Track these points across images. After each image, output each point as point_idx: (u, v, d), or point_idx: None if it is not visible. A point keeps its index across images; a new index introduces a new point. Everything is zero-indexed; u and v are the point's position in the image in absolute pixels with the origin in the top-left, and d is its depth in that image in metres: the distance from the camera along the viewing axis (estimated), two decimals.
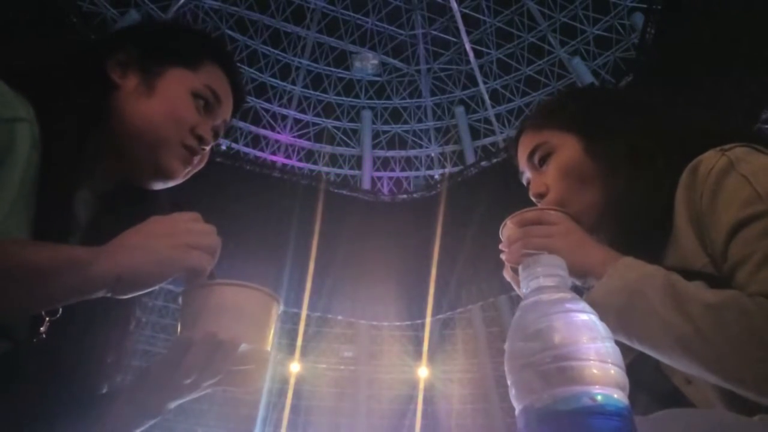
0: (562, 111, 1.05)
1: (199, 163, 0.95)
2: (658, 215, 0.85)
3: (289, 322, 16.04)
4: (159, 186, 0.93)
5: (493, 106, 17.68)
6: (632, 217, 0.89)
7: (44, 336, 0.76)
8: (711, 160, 0.81)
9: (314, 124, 18.50)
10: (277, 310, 0.78)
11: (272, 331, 0.77)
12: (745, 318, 0.66)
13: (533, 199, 1.04)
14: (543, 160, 1.02)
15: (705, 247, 0.79)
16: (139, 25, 1.03)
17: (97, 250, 0.68)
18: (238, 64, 1.08)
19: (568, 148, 0.99)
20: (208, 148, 0.95)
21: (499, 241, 0.94)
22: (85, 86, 0.86)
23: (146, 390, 0.77)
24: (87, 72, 0.88)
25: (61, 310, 0.77)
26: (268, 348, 0.76)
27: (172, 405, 0.79)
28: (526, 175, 1.08)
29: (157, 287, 0.73)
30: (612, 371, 0.42)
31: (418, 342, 15.51)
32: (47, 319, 0.76)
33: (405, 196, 13.39)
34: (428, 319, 12.96)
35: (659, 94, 8.87)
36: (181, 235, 0.72)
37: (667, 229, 0.84)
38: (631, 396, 0.43)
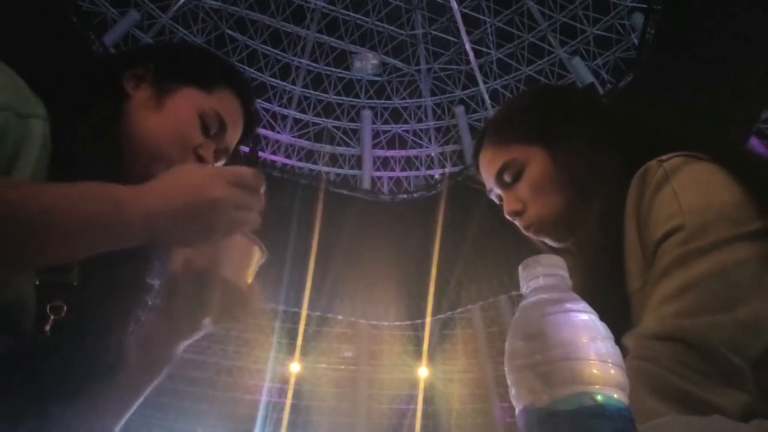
0: (521, 124, 1.00)
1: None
2: (615, 227, 0.83)
3: (289, 321, 16.04)
4: None
5: (493, 106, 17.68)
6: (596, 226, 0.86)
7: (48, 333, 0.76)
8: (652, 172, 0.79)
9: (314, 123, 18.51)
10: (260, 255, 0.84)
11: (252, 272, 0.84)
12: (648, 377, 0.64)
13: (509, 217, 1.00)
14: (515, 177, 0.98)
15: (642, 269, 0.77)
16: (162, 43, 1.05)
17: (129, 189, 0.68)
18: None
19: (537, 161, 0.96)
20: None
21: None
22: (98, 93, 0.87)
23: (149, 339, 0.82)
24: (102, 79, 0.90)
25: (65, 308, 0.78)
26: (247, 283, 0.82)
27: (179, 348, 0.85)
28: (495, 192, 1.04)
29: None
30: (612, 371, 0.42)
31: (418, 342, 15.52)
32: (51, 316, 0.77)
33: (405, 196, 13.41)
34: (428, 319, 12.97)
35: (659, 93, 8.87)
36: (223, 215, 0.70)
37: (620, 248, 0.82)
38: None
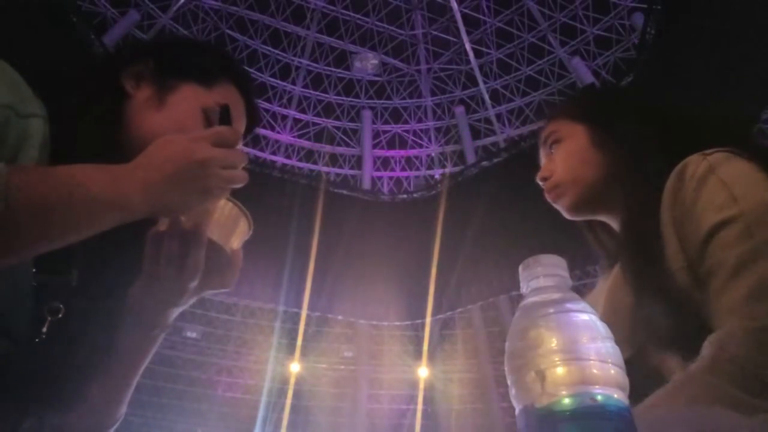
0: (575, 103, 1.14)
1: None
2: (650, 213, 0.88)
3: (289, 322, 16.04)
4: None
5: (494, 106, 17.68)
6: (629, 209, 0.93)
7: (45, 336, 0.76)
8: (693, 164, 0.83)
9: (314, 124, 18.50)
10: (246, 225, 0.85)
11: (238, 240, 0.85)
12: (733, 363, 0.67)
13: (539, 182, 1.10)
14: (551, 147, 1.10)
15: (684, 251, 0.80)
16: (161, 39, 1.05)
17: (125, 167, 0.71)
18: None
19: (575, 136, 1.06)
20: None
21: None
22: (98, 92, 0.87)
23: (139, 305, 0.83)
24: (101, 79, 0.89)
25: (63, 310, 0.77)
26: (233, 249, 0.84)
27: (169, 315, 0.85)
28: (542, 162, 1.14)
29: None
30: (612, 371, 0.42)
31: (418, 342, 15.52)
32: (48, 318, 0.76)
33: (405, 196, 13.40)
34: (428, 319, 12.97)
35: (659, 93, 8.86)
36: (213, 175, 0.73)
37: (658, 228, 0.86)
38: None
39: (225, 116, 0.84)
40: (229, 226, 0.83)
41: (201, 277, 0.81)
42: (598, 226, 1.14)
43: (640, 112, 1.04)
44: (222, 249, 0.81)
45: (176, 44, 1.02)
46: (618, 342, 0.46)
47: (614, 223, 1.05)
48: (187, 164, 0.71)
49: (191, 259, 0.78)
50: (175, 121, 0.88)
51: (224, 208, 0.82)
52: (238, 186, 0.79)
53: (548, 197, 1.08)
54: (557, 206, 1.08)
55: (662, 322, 0.80)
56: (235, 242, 0.84)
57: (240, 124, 0.97)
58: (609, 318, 1.02)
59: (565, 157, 1.05)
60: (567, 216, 1.08)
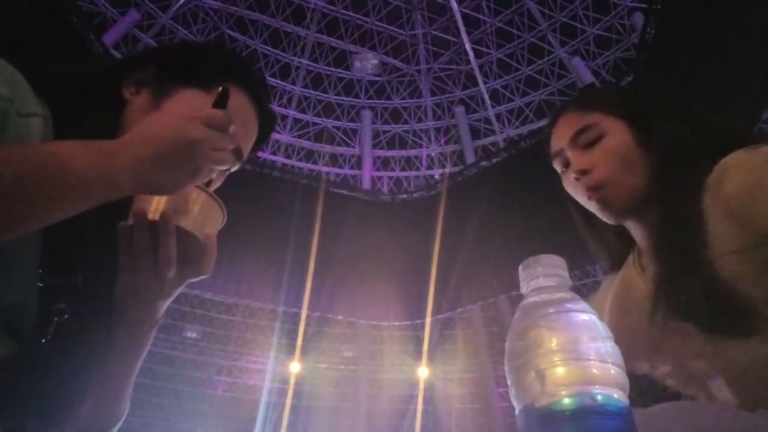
0: (613, 97, 1.09)
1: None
2: (694, 200, 0.90)
3: (289, 322, 16.04)
4: None
5: (493, 106, 17.68)
6: (672, 208, 0.94)
7: (50, 337, 0.76)
8: (745, 157, 0.87)
9: (314, 124, 18.50)
10: (219, 213, 0.84)
11: (212, 230, 0.84)
12: None
13: (574, 175, 1.04)
14: (591, 142, 1.04)
15: (742, 236, 0.83)
16: (163, 44, 1.03)
17: (116, 141, 0.70)
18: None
19: (619, 133, 1.03)
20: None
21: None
22: (96, 99, 0.86)
23: (124, 302, 0.82)
24: (101, 87, 0.88)
25: (69, 310, 0.77)
26: (206, 236, 0.83)
27: (155, 309, 0.84)
28: (565, 154, 1.08)
29: None
30: (612, 371, 0.42)
31: (418, 342, 15.51)
32: (54, 319, 0.76)
33: (405, 196, 13.39)
34: (428, 319, 12.96)
35: (659, 94, 8.84)
36: (204, 155, 0.73)
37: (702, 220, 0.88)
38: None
39: (221, 100, 0.82)
40: (201, 214, 0.82)
41: (178, 266, 0.81)
42: (603, 225, 1.12)
43: (677, 112, 1.05)
44: (194, 237, 0.81)
45: (178, 48, 1.00)
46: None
47: (636, 224, 1.04)
48: (178, 142, 0.71)
49: (162, 250, 0.78)
50: None
51: (194, 196, 0.81)
52: (225, 167, 0.79)
53: (585, 194, 1.03)
54: (596, 206, 1.03)
55: (693, 293, 0.82)
56: (208, 230, 0.84)
57: (248, 128, 0.93)
58: (618, 315, 1.03)
59: (611, 156, 1.01)
60: (605, 219, 1.04)
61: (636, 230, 1.06)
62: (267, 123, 0.98)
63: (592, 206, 1.04)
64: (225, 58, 0.97)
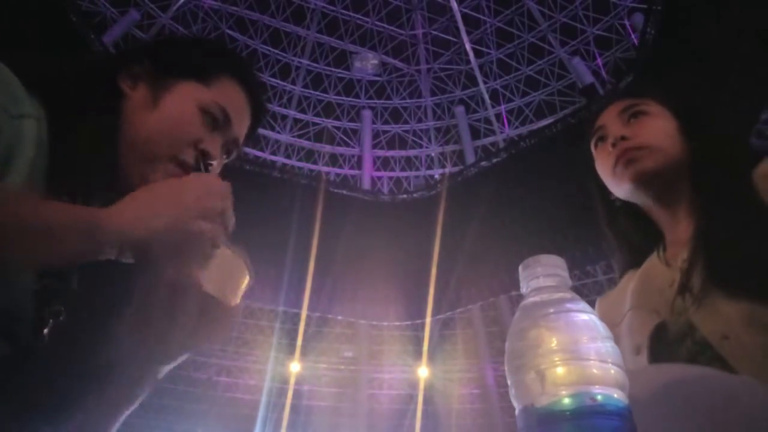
0: (663, 88, 1.18)
1: None
2: (749, 182, 0.95)
3: (289, 322, 16.03)
4: None
5: (493, 106, 17.67)
6: (726, 180, 0.98)
7: (46, 338, 0.75)
8: None
9: (314, 124, 18.50)
10: (247, 275, 0.82)
11: (237, 292, 0.81)
12: None
13: (611, 141, 1.08)
14: (635, 116, 1.10)
15: None
16: (158, 38, 1.03)
17: (105, 210, 0.70)
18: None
19: (665, 117, 1.09)
20: (215, 164, 0.91)
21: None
22: (94, 94, 0.85)
23: (122, 358, 0.79)
24: (98, 80, 0.88)
25: (64, 312, 0.77)
26: (231, 302, 0.79)
27: (153, 372, 0.81)
28: (606, 128, 1.12)
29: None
30: (612, 371, 0.42)
31: (418, 342, 15.51)
32: (50, 320, 0.76)
33: (405, 196, 13.39)
34: (428, 319, 12.96)
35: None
36: (189, 206, 0.72)
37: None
38: None
39: (201, 164, 0.83)
40: (227, 276, 0.79)
41: (191, 330, 0.77)
42: (623, 215, 1.14)
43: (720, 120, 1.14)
44: (217, 301, 0.77)
45: (173, 43, 1.00)
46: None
47: (667, 209, 1.07)
48: (172, 231, 0.70)
49: (179, 313, 0.74)
50: (168, 121, 0.86)
51: (223, 257, 0.77)
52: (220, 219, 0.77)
53: (620, 157, 1.05)
54: (625, 169, 1.05)
55: (747, 254, 0.85)
56: (233, 294, 0.80)
57: (240, 120, 0.95)
58: (642, 299, 1.03)
59: (655, 129, 1.07)
60: (629, 183, 1.05)
61: (666, 216, 1.07)
62: (259, 113, 1.00)
63: (624, 175, 1.05)
64: (217, 50, 0.98)
